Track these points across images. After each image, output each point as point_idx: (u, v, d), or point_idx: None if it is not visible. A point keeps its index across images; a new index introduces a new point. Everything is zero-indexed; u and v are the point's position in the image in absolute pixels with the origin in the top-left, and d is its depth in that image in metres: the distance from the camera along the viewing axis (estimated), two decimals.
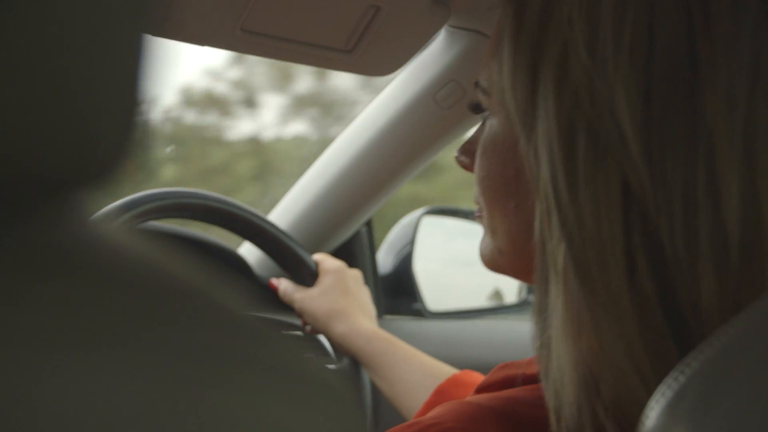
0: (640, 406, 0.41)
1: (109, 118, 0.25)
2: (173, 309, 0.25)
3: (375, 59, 1.03)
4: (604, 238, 0.48)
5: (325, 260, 1.21)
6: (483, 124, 0.63)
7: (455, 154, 0.68)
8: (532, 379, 0.58)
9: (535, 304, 0.54)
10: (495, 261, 0.63)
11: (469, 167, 0.66)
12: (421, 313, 1.47)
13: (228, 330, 0.26)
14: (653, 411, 0.36)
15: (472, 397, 0.59)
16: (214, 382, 0.24)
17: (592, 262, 0.49)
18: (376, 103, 1.25)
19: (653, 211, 0.47)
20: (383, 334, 1.12)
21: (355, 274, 1.21)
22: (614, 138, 0.48)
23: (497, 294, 1.63)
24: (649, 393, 0.38)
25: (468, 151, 0.66)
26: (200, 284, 0.27)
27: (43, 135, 0.24)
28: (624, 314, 0.48)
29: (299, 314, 1.18)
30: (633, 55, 0.48)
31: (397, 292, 1.48)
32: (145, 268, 0.26)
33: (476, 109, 0.65)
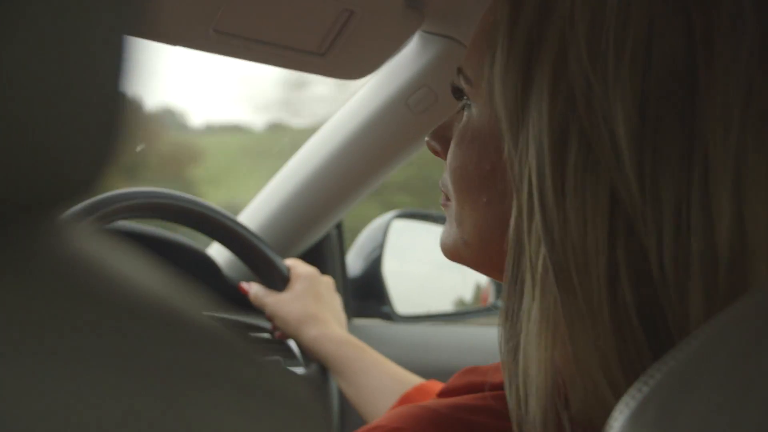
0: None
1: (91, 124, 0.25)
2: (140, 323, 0.25)
3: (348, 63, 1.03)
4: (588, 246, 0.48)
5: (297, 265, 1.20)
6: (461, 111, 0.62)
7: (426, 138, 0.67)
8: (494, 387, 0.58)
9: (505, 307, 0.53)
10: (457, 251, 0.61)
11: (439, 153, 0.65)
12: (390, 316, 1.47)
13: (194, 343, 0.26)
14: (617, 421, 0.36)
15: (432, 402, 0.58)
16: (179, 395, 0.24)
17: (573, 270, 0.48)
18: (348, 106, 1.25)
19: (641, 225, 0.47)
20: (354, 340, 1.12)
21: (327, 281, 1.20)
22: (607, 147, 0.47)
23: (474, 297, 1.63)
24: None
25: (441, 137, 0.65)
26: (168, 296, 0.27)
27: (23, 147, 0.23)
28: (602, 326, 0.47)
29: (270, 318, 1.17)
30: (632, 66, 0.47)
31: (366, 296, 1.48)
32: (114, 281, 0.26)
33: (458, 93, 0.63)
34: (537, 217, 0.50)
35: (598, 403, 0.48)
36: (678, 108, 0.47)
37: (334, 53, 0.99)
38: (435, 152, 0.66)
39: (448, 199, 0.62)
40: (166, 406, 0.24)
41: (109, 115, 0.25)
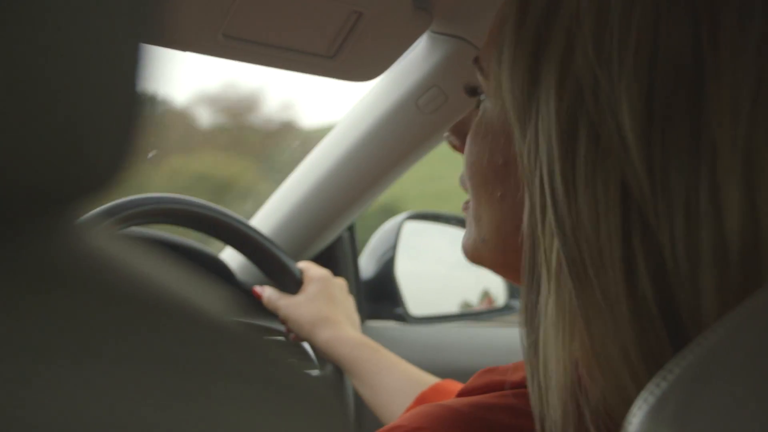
0: None
1: (107, 128, 0.25)
2: (160, 321, 0.25)
3: (357, 65, 1.03)
4: (602, 239, 0.48)
5: (310, 268, 1.20)
6: (478, 106, 0.62)
7: (445, 134, 0.67)
8: (513, 386, 0.58)
9: (523, 303, 0.54)
10: (477, 251, 0.61)
11: (459, 148, 0.65)
12: (403, 318, 1.47)
13: (213, 341, 0.26)
14: (635, 417, 0.36)
15: (452, 401, 0.58)
16: (199, 393, 0.24)
17: (588, 264, 0.48)
18: (358, 108, 1.25)
19: (653, 217, 0.47)
20: (368, 341, 1.12)
21: (341, 283, 1.20)
22: (615, 140, 0.47)
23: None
24: None
25: (460, 131, 0.65)
26: (186, 295, 0.27)
27: (39, 146, 0.24)
28: (621, 319, 0.47)
29: (283, 321, 1.18)
30: (638, 58, 0.47)
31: (379, 297, 1.48)
32: (134, 280, 0.26)
33: (472, 92, 0.64)
34: (549, 210, 0.50)
35: (618, 396, 0.48)
36: (685, 100, 0.47)
37: (343, 56, 0.99)
38: (454, 147, 0.66)
39: (468, 201, 0.63)
40: (188, 402, 0.24)
41: (125, 119, 0.26)
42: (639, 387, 0.46)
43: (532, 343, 0.52)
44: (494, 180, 0.58)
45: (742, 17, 0.47)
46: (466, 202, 0.63)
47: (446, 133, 0.67)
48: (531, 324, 0.52)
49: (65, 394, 0.22)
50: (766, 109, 0.46)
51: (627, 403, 0.47)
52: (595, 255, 0.48)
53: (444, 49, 1.12)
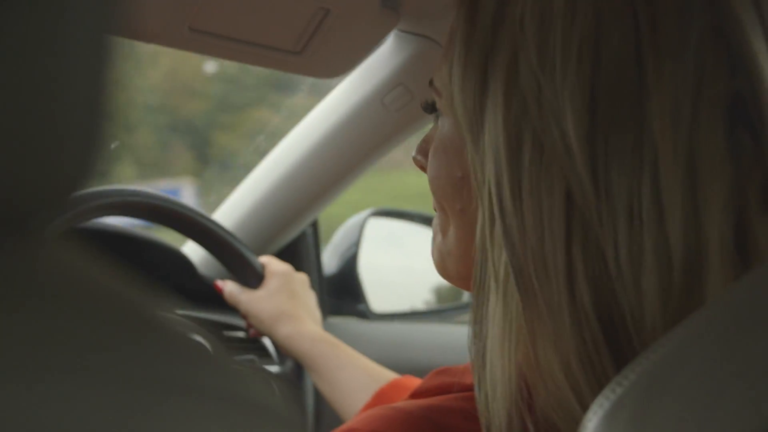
0: (575, 422, 0.41)
1: (74, 132, 0.25)
2: (119, 335, 0.25)
3: (324, 61, 1.03)
4: (546, 248, 0.48)
5: (271, 263, 1.20)
6: (436, 124, 0.63)
7: (413, 154, 0.67)
8: (466, 388, 0.58)
9: (472, 314, 0.54)
10: (443, 263, 0.62)
11: (424, 167, 0.65)
12: (365, 314, 1.47)
13: (171, 355, 0.26)
14: (591, 422, 0.37)
15: (404, 404, 0.58)
16: (155, 408, 0.24)
17: (533, 274, 0.48)
18: (324, 104, 1.25)
19: (596, 222, 0.47)
20: (328, 337, 1.12)
21: (302, 278, 1.20)
22: (559, 148, 0.48)
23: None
24: (584, 408, 0.38)
25: (423, 150, 0.65)
26: (147, 307, 0.27)
27: (6, 155, 0.23)
28: (562, 328, 0.48)
29: (244, 316, 1.17)
30: (580, 65, 0.47)
31: (342, 294, 1.48)
32: (94, 293, 0.26)
33: (429, 108, 0.64)
34: (497, 221, 0.50)
35: (560, 406, 0.48)
36: (628, 106, 0.47)
37: (310, 52, 0.99)
38: (420, 167, 0.66)
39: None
40: (144, 417, 0.24)
41: (90, 117, 0.25)
42: (578, 396, 0.47)
43: (479, 352, 0.53)
44: (453, 193, 0.59)
45: (681, 23, 0.47)
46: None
47: (412, 154, 0.67)
48: (479, 334, 0.53)
49: (18, 409, 0.22)
50: (707, 114, 0.46)
51: (568, 413, 0.47)
52: (539, 265, 0.48)
53: (410, 48, 1.12)
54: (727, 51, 0.47)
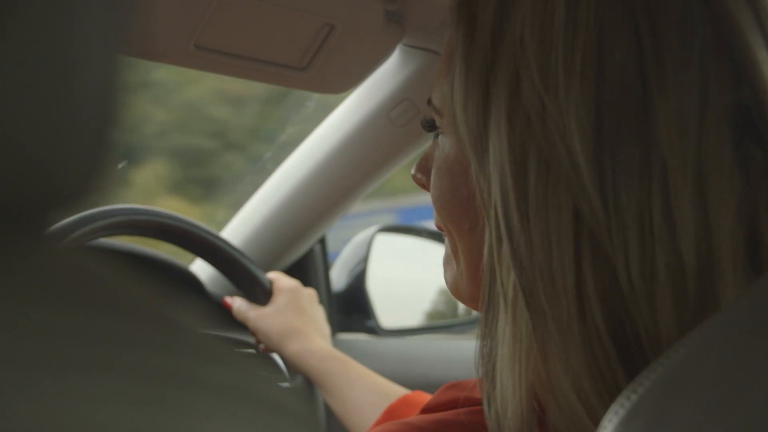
0: None
1: (79, 140, 0.25)
2: (133, 332, 0.25)
3: (329, 77, 1.03)
4: (555, 268, 0.47)
5: (279, 279, 1.20)
6: (435, 141, 0.62)
7: (412, 171, 0.66)
8: (476, 402, 0.58)
9: (481, 333, 0.53)
10: (456, 285, 0.60)
11: (425, 186, 0.64)
12: (375, 330, 1.47)
13: (187, 352, 0.26)
14: (606, 429, 0.36)
15: (414, 418, 0.58)
16: (172, 404, 0.24)
17: (542, 293, 0.48)
18: (330, 120, 1.25)
19: (606, 239, 0.47)
20: (337, 353, 1.12)
21: (310, 293, 1.20)
22: (566, 165, 0.47)
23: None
24: (597, 424, 0.38)
25: (424, 168, 0.64)
26: (160, 306, 0.27)
27: (11, 158, 0.23)
28: (573, 345, 0.47)
29: (253, 333, 1.17)
30: (584, 81, 0.47)
31: (351, 310, 1.47)
32: (107, 292, 0.26)
33: (429, 126, 0.63)
34: (505, 241, 0.50)
35: (572, 423, 0.48)
36: (634, 119, 0.47)
37: (315, 68, 1.00)
38: (421, 185, 0.65)
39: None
40: (156, 413, 0.24)
41: (99, 130, 0.25)
42: (590, 413, 0.46)
43: (489, 373, 0.52)
44: (461, 213, 0.57)
45: (683, 36, 0.47)
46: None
47: (412, 172, 0.66)
48: (489, 353, 0.52)
49: (25, 402, 0.22)
50: (713, 125, 0.46)
51: (581, 430, 0.47)
52: (548, 284, 0.48)
53: (416, 62, 1.12)
54: (730, 62, 0.47)
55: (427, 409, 0.62)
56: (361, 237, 1.50)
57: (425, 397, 1.01)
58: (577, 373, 0.47)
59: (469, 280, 0.59)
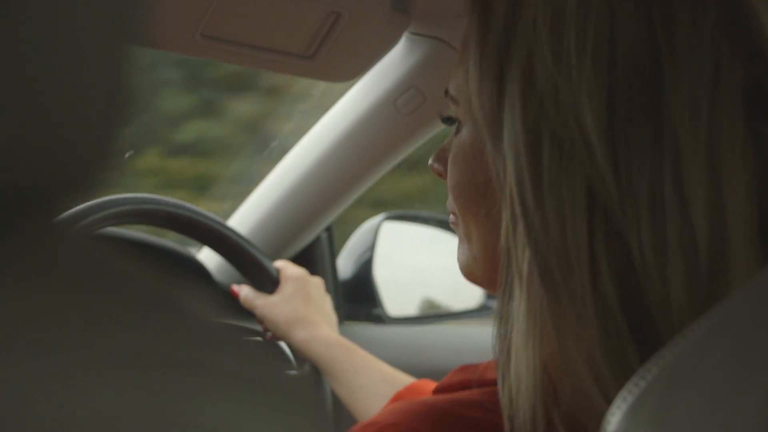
0: (599, 415, 0.41)
1: (88, 127, 0.25)
2: (141, 318, 0.25)
3: (336, 65, 1.03)
4: (569, 245, 0.48)
5: (286, 267, 1.20)
6: (455, 133, 0.63)
7: (429, 162, 0.68)
8: (488, 383, 0.58)
9: (498, 310, 0.54)
10: (470, 269, 0.62)
11: (442, 175, 0.65)
12: (382, 318, 1.47)
13: (195, 338, 0.26)
14: (614, 416, 0.36)
15: (428, 398, 0.59)
16: (180, 390, 0.24)
17: (556, 270, 0.49)
18: (336, 109, 1.25)
19: (619, 216, 0.47)
20: (344, 341, 1.12)
21: (317, 282, 1.20)
22: (579, 144, 0.48)
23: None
24: (609, 402, 0.38)
25: (441, 158, 0.66)
26: (167, 293, 0.27)
27: (20, 145, 0.23)
28: (587, 322, 0.48)
29: (260, 321, 1.17)
30: (596, 62, 0.48)
31: (357, 298, 1.47)
32: (115, 278, 0.26)
33: (447, 120, 0.64)
34: (520, 221, 0.51)
35: (585, 400, 0.49)
36: (646, 98, 0.47)
37: (322, 56, 0.99)
38: (438, 174, 0.66)
39: (456, 219, 0.63)
40: (169, 400, 0.24)
41: (105, 119, 0.26)
42: (602, 390, 0.47)
43: (504, 349, 0.53)
44: (478, 199, 0.59)
45: (695, 12, 0.47)
46: (455, 219, 0.63)
47: (429, 162, 0.68)
48: (504, 330, 0.53)
49: (35, 390, 0.22)
50: (726, 103, 0.47)
51: (593, 407, 0.48)
52: (562, 260, 0.49)
53: (422, 51, 1.12)
54: (742, 39, 0.47)
55: (438, 390, 0.63)
56: (368, 225, 1.50)
57: (432, 386, 1.01)
58: (590, 348, 0.48)
59: (484, 264, 0.60)
